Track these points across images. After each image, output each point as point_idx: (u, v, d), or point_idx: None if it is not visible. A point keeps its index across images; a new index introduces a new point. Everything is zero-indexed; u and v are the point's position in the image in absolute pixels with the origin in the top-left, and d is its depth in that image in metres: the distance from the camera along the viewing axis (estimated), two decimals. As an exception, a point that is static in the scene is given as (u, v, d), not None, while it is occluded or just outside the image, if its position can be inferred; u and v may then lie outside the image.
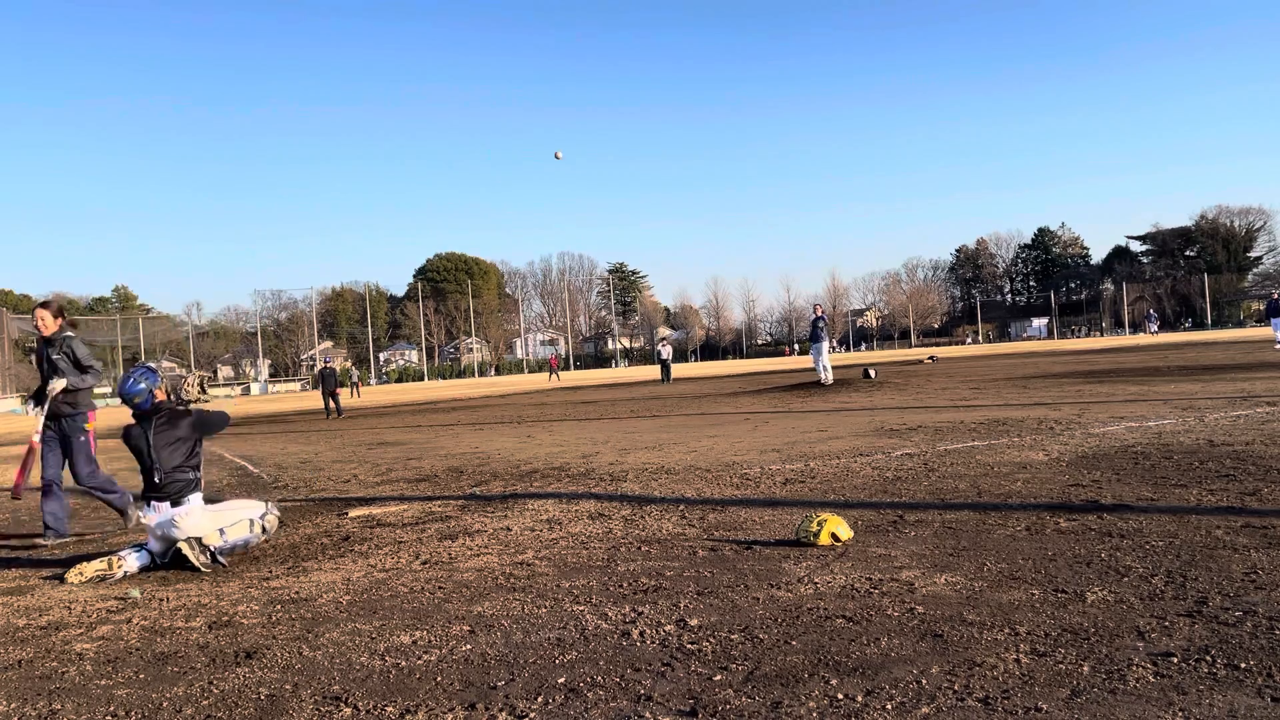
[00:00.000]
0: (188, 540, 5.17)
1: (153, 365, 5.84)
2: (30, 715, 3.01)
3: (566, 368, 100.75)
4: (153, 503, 5.35)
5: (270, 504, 5.73)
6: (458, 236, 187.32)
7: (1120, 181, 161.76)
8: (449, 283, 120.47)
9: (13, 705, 3.11)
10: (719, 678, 2.88)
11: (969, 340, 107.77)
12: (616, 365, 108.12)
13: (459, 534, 5.70)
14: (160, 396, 5.61)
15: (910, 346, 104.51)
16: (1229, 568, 3.70)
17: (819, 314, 21.16)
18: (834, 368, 21.58)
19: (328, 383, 24.83)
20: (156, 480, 5.39)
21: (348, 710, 2.84)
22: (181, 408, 5.68)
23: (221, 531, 5.28)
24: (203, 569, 5.13)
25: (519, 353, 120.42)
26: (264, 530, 5.54)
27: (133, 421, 5.58)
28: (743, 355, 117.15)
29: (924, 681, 2.72)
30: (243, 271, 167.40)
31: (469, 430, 15.26)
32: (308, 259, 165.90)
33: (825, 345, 20.38)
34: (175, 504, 5.28)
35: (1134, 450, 7.18)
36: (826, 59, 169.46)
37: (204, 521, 5.29)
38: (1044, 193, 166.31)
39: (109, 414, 18.00)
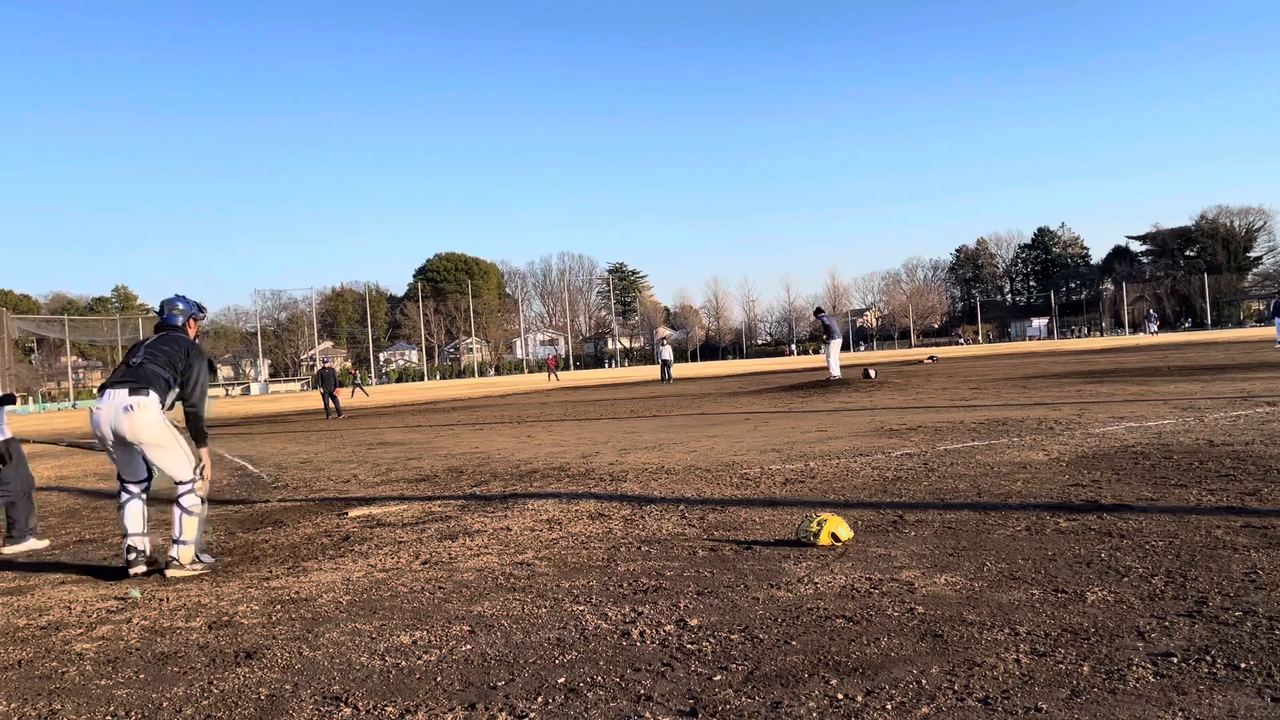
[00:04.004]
0: (170, 562, 5.05)
1: (198, 303, 5.71)
2: (30, 715, 3.01)
3: (566, 367, 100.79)
4: (108, 390, 5.02)
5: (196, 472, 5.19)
6: (458, 236, 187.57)
7: (1120, 181, 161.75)
8: (449, 283, 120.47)
9: (13, 705, 3.11)
10: (719, 678, 2.88)
11: (962, 340, 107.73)
12: (614, 365, 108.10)
13: (459, 534, 5.69)
14: (192, 328, 5.55)
15: (910, 346, 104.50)
16: (1229, 568, 3.70)
17: (822, 316, 21.44)
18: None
19: (327, 383, 24.86)
20: (129, 363, 5.15)
21: (348, 710, 2.84)
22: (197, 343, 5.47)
23: (181, 519, 5.04)
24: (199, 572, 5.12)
25: (519, 353, 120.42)
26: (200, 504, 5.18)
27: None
28: (743, 355, 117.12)
29: (924, 681, 2.72)
30: (243, 271, 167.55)
31: (469, 430, 15.26)
32: (308, 259, 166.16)
33: (835, 343, 20.61)
34: (133, 392, 4.91)
35: (1134, 450, 7.18)
36: (827, 59, 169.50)
37: (156, 433, 4.90)
38: (1044, 193, 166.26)
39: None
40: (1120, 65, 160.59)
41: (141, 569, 5.12)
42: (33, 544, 6.47)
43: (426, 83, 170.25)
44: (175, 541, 5.11)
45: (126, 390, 5.01)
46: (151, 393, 5.03)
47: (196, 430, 5.29)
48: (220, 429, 22.33)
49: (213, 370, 5.71)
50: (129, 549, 5.16)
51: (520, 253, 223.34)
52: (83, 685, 3.27)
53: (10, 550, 6.39)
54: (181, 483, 5.14)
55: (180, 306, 5.57)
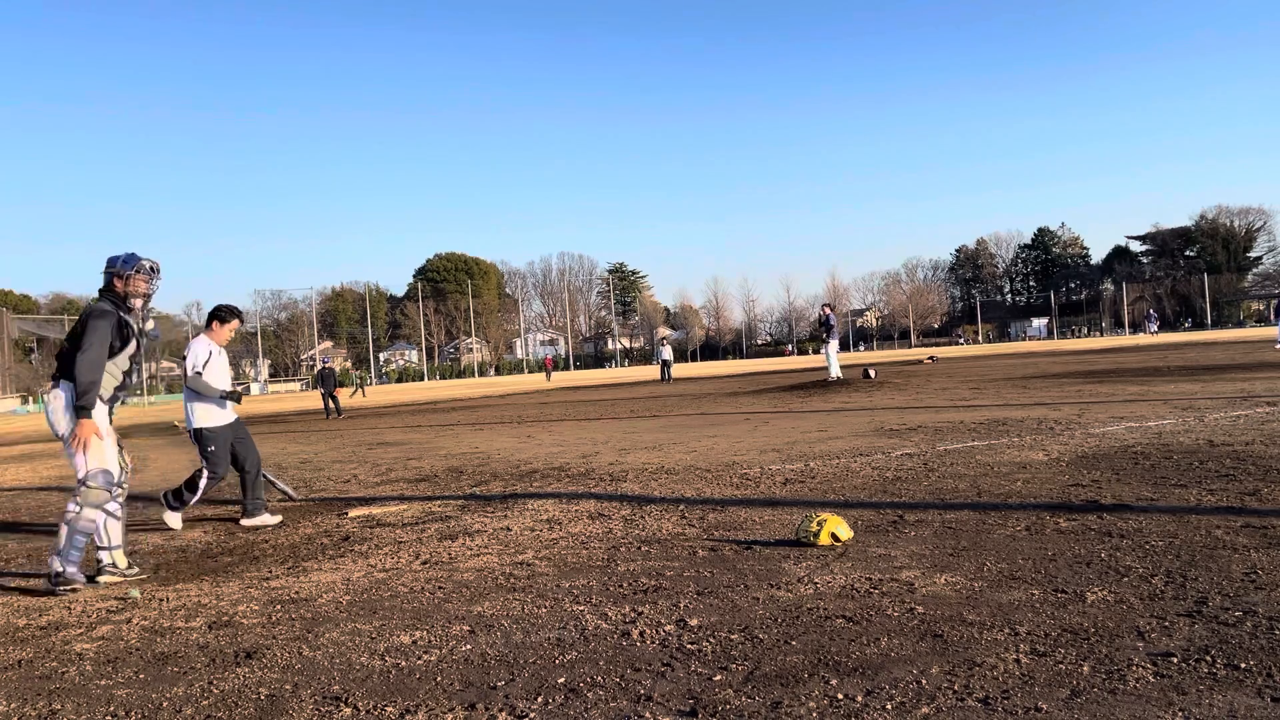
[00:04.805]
0: (50, 576, 4.70)
1: (147, 262, 5.03)
2: (30, 715, 3.01)
3: (566, 368, 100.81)
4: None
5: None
6: (458, 236, 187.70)
7: (1120, 181, 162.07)
8: (449, 283, 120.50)
9: (13, 705, 3.11)
10: (719, 678, 2.88)
11: (962, 340, 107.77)
12: (614, 365, 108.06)
13: (459, 534, 5.69)
14: (118, 287, 4.90)
15: (910, 346, 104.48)
16: (1229, 568, 3.70)
17: (827, 313, 21.59)
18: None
19: (327, 383, 24.88)
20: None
21: (348, 710, 2.84)
22: (118, 310, 4.88)
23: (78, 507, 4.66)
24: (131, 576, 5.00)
25: (519, 353, 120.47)
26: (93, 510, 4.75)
27: None
28: (743, 355, 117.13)
29: (924, 681, 2.72)
30: (243, 271, 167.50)
31: (469, 430, 15.26)
32: (308, 259, 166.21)
33: (834, 343, 20.86)
34: (54, 385, 4.70)
35: (1134, 450, 7.17)
36: (827, 59, 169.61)
37: (65, 423, 4.57)
38: (1044, 193, 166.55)
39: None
40: (1121, 65, 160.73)
41: (106, 579, 4.97)
42: (266, 518, 6.76)
43: (427, 82, 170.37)
44: (54, 552, 4.68)
45: (51, 383, 4.75)
46: (63, 381, 4.70)
47: (80, 395, 4.64)
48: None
49: (125, 334, 4.90)
50: (97, 560, 5.06)
51: (520, 253, 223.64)
52: (83, 685, 3.27)
53: (246, 522, 6.71)
54: (78, 481, 4.73)
55: (108, 265, 4.91)
